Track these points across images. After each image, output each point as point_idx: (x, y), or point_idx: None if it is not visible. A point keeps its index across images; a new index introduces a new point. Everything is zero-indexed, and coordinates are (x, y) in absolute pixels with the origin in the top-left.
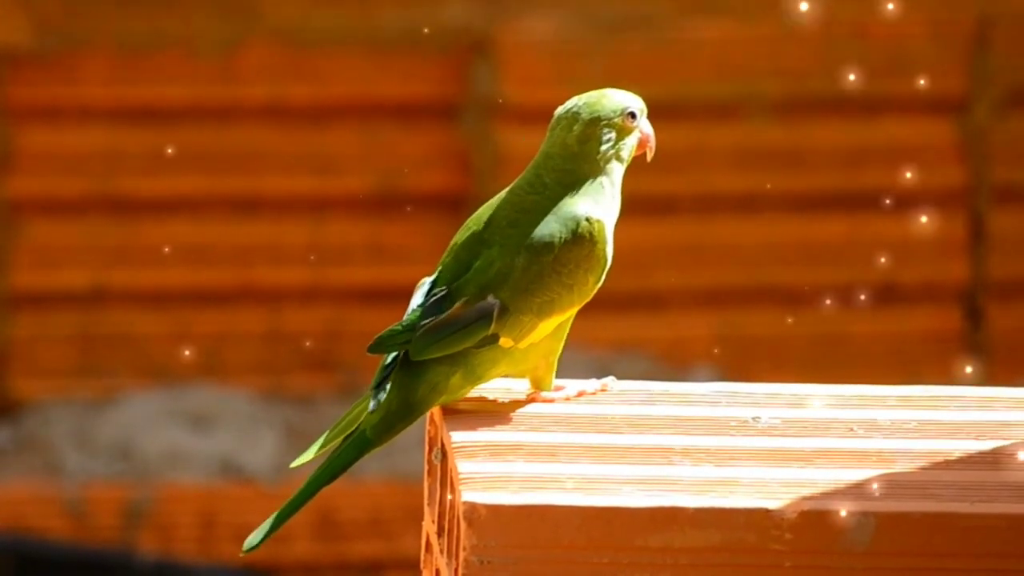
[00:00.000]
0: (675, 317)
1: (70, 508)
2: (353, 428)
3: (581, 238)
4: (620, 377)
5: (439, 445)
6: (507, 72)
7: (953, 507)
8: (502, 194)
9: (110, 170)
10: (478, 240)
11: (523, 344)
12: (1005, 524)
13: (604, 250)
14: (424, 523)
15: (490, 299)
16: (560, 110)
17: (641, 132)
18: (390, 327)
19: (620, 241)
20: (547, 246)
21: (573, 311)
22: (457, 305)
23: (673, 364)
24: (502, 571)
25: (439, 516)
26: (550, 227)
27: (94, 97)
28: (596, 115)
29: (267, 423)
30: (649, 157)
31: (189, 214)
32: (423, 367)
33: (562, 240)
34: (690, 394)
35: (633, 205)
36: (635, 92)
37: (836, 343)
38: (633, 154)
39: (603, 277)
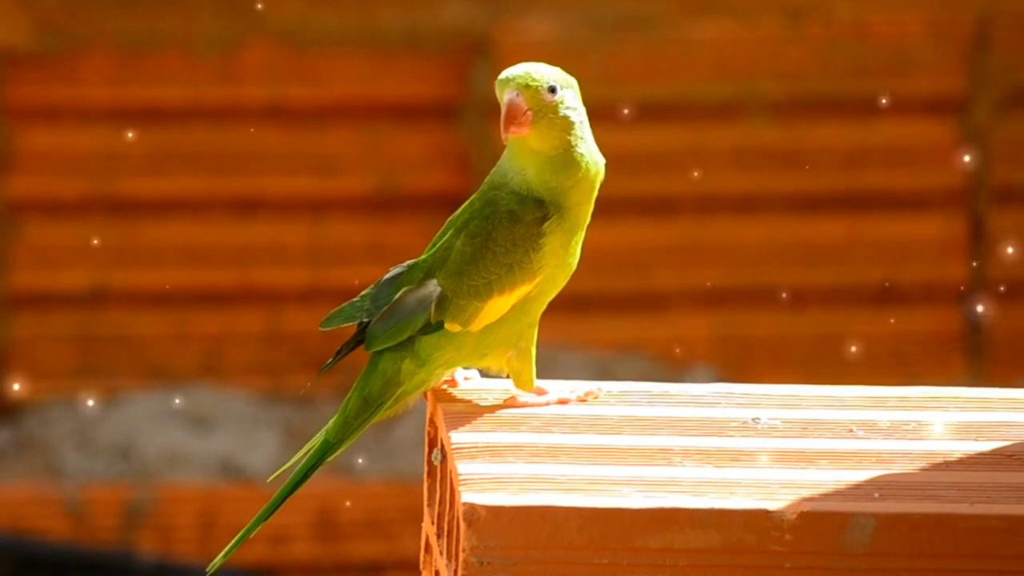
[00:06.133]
0: (675, 317)
1: (70, 508)
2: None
3: (515, 216)
4: (620, 377)
5: (439, 446)
6: None
7: (953, 508)
8: None
9: (110, 170)
10: (446, 227)
11: (476, 327)
12: (1005, 525)
13: (540, 226)
14: (424, 524)
15: (431, 285)
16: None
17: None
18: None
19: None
20: (480, 226)
21: (521, 291)
22: (402, 292)
23: (672, 364)
24: (502, 572)
25: (439, 517)
26: (488, 207)
27: (94, 97)
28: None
29: (267, 423)
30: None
31: (189, 214)
32: (374, 360)
33: (496, 219)
34: (690, 395)
35: (633, 205)
36: (635, 92)
37: (836, 343)
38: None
39: (548, 254)
